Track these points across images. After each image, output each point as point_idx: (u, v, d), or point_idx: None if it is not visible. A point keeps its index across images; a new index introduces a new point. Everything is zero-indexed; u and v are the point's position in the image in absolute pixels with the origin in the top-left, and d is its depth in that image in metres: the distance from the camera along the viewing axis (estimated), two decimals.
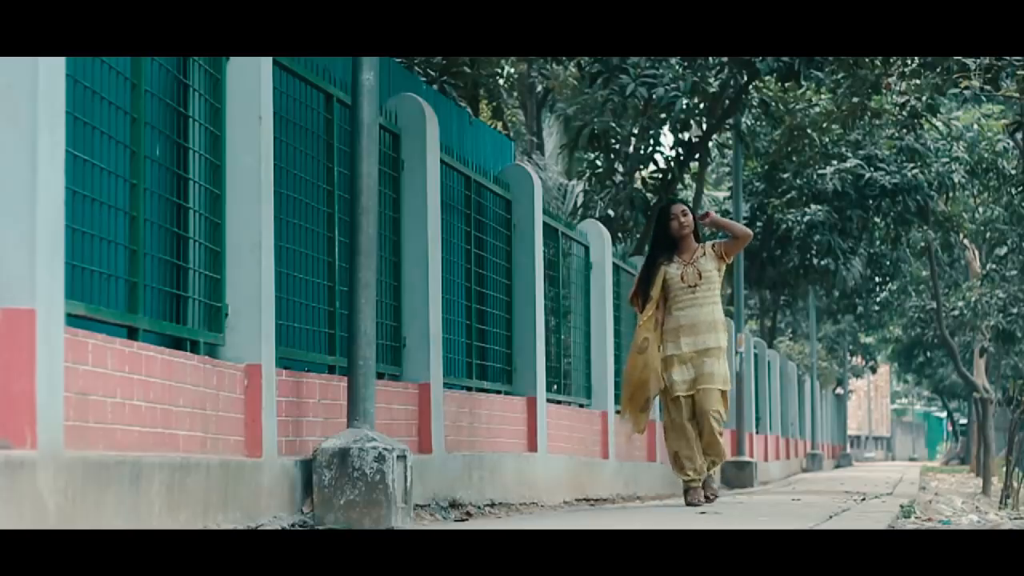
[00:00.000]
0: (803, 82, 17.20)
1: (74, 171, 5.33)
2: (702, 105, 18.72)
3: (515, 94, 21.87)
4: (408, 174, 9.23)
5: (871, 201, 25.47)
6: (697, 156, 19.14)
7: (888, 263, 30.67)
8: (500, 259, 11.38)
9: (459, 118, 12.86)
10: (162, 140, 6.36)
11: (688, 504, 9.97)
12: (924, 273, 34.00)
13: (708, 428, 9.93)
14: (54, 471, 4.76)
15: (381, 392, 8.05)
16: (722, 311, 10.16)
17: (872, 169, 25.05)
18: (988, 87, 15.11)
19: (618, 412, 14.21)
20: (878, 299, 37.77)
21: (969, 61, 14.98)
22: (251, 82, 6.85)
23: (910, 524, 8.51)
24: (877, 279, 33.05)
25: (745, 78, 18.02)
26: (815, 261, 26.97)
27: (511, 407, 11.22)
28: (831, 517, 8.11)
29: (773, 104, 21.20)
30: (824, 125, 23.63)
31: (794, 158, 25.45)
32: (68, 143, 5.07)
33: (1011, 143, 24.62)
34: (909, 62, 16.52)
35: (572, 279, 13.81)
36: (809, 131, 24.01)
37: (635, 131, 18.91)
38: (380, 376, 8.22)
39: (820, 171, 25.24)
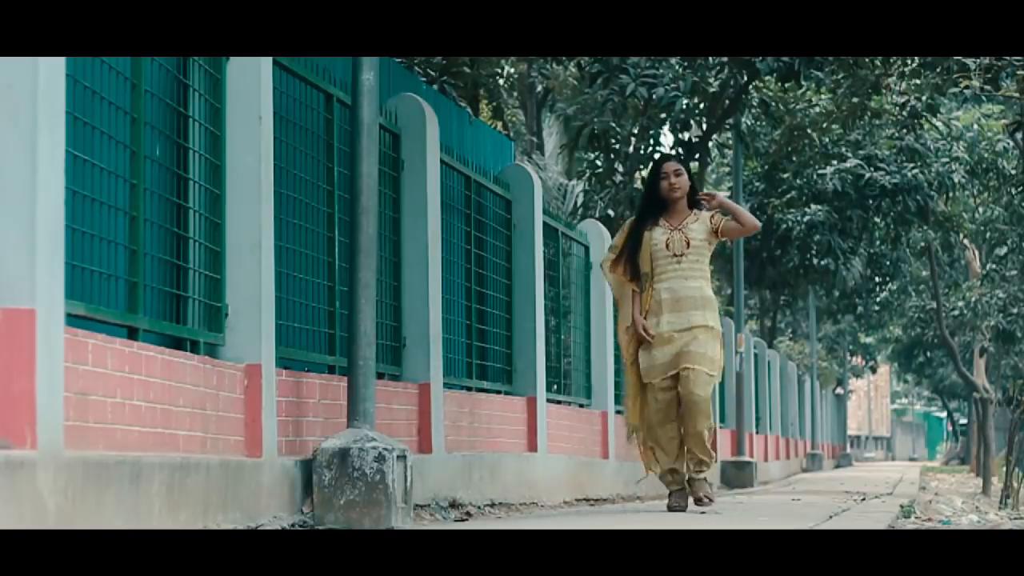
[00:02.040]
0: (803, 82, 17.19)
1: (74, 171, 5.33)
2: (702, 105, 18.72)
3: (515, 94, 21.86)
4: (408, 174, 9.23)
5: (871, 201, 25.48)
6: (697, 156, 19.13)
7: (888, 263, 30.67)
8: (500, 259, 11.38)
9: (459, 118, 12.86)
10: (162, 140, 6.36)
11: (670, 509, 8.66)
12: (924, 273, 33.99)
13: (691, 417, 8.44)
14: (54, 471, 4.76)
15: (381, 392, 8.05)
16: (711, 289, 8.78)
17: (872, 169, 25.05)
18: (988, 87, 15.12)
19: (619, 412, 14.22)
20: (878, 299, 37.77)
21: (969, 61, 14.98)
22: (251, 82, 6.85)
23: (910, 524, 8.51)
24: (877, 279, 33.04)
25: (745, 78, 18.02)
26: (815, 261, 26.97)
27: (511, 407, 11.22)
28: (831, 517, 8.10)
29: (773, 104, 21.21)
30: (824, 125, 23.64)
31: (794, 158, 25.47)
32: (68, 143, 5.07)
33: (1011, 143, 24.63)
34: (909, 62, 16.53)
35: (572, 279, 13.81)
36: (809, 131, 24.03)
37: (635, 131, 18.91)
38: (380, 376, 8.22)
39: (820, 171, 25.25)
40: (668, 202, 8.71)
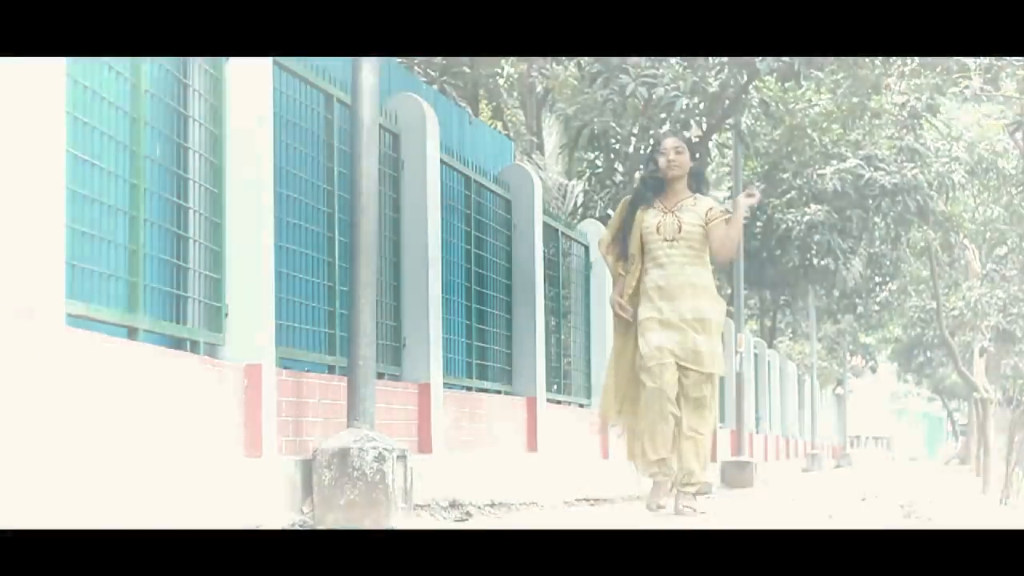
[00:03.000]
0: (803, 82, 17.21)
1: (74, 171, 5.33)
2: (702, 105, 18.72)
3: (515, 94, 21.86)
4: (408, 174, 9.23)
5: (871, 201, 25.47)
6: (697, 156, 19.13)
7: (888, 263, 30.67)
8: (500, 259, 11.38)
9: (459, 118, 12.86)
10: (162, 140, 6.36)
11: (648, 507, 8.38)
12: (924, 273, 34.01)
13: (688, 417, 8.13)
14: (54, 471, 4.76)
15: (381, 392, 8.05)
16: (710, 276, 8.29)
17: (872, 169, 25.04)
18: (988, 87, 15.14)
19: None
20: (878, 299, 37.75)
21: (969, 61, 15.01)
22: (251, 82, 6.85)
23: (910, 524, 8.51)
24: (877, 279, 33.05)
25: (745, 78, 18.03)
26: (815, 261, 26.96)
27: (511, 407, 11.21)
28: (831, 517, 8.10)
29: (773, 104, 21.20)
30: (824, 125, 23.65)
31: (794, 158, 25.47)
32: (68, 143, 5.07)
33: (1011, 143, 24.66)
34: (909, 62, 16.55)
35: (572, 279, 13.81)
36: (809, 131, 24.03)
37: (635, 131, 18.90)
38: (380, 376, 8.22)
39: (820, 171, 25.25)
40: (665, 181, 8.34)
